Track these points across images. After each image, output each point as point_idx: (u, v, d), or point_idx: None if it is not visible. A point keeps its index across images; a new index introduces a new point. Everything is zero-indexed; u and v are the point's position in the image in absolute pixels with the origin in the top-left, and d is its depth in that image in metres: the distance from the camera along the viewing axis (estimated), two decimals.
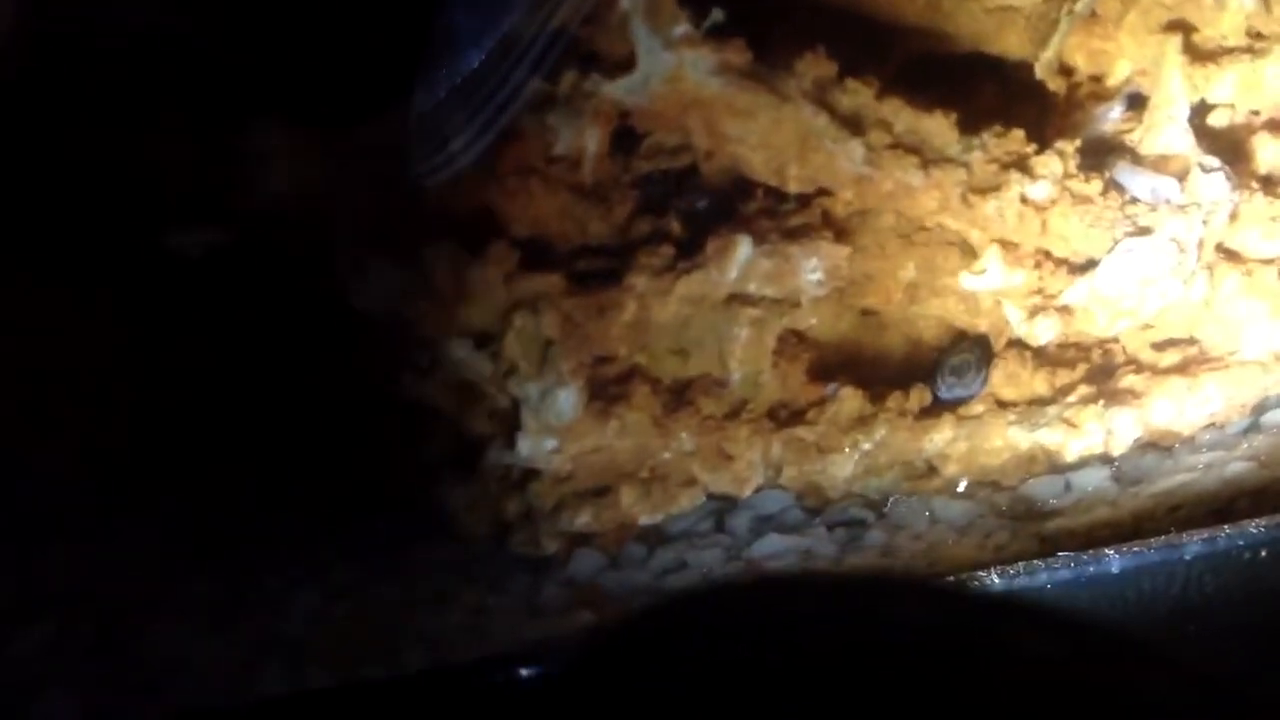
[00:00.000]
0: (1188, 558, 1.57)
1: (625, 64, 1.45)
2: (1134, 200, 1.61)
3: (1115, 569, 1.55)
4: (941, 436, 1.64)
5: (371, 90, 1.42)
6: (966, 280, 1.61)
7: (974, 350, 1.62)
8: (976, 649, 0.59)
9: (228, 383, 1.61)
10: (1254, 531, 1.58)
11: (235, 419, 1.61)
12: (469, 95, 1.40)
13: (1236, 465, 1.69)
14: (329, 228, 1.48)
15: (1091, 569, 1.55)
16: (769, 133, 1.50)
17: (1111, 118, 1.61)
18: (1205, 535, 1.57)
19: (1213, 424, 1.70)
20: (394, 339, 1.53)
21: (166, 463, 1.59)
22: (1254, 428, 1.71)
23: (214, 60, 1.41)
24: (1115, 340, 1.67)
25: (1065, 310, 1.63)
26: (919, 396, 1.64)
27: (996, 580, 1.46)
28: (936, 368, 1.65)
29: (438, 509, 1.59)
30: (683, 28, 1.44)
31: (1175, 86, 1.59)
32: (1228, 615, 1.55)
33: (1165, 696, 0.59)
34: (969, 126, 1.55)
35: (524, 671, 1.21)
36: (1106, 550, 1.57)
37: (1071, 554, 1.55)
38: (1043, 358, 1.66)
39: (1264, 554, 1.58)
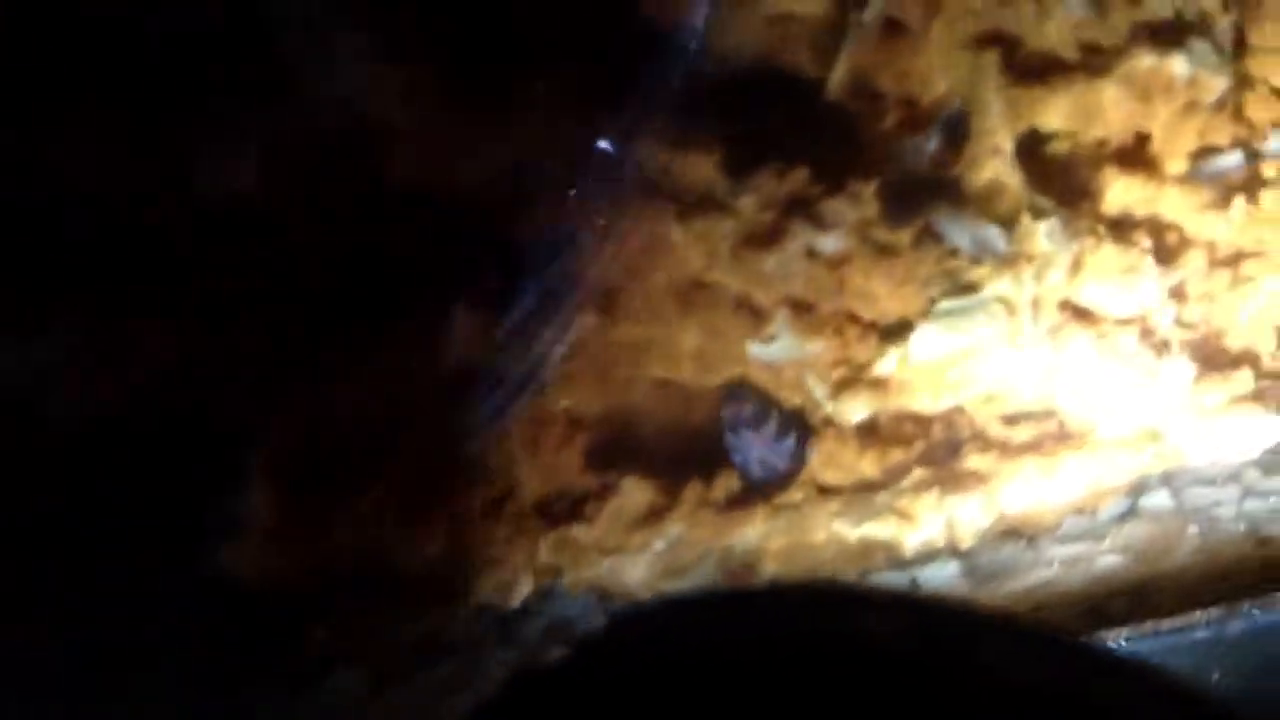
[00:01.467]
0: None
1: None
2: (952, 251, 1.34)
3: None
4: (754, 530, 1.39)
5: None
6: (755, 350, 1.33)
7: (749, 398, 1.35)
8: (948, 669, 0.57)
9: None
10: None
11: None
12: None
13: (1108, 559, 1.44)
14: None
15: None
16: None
17: (926, 150, 1.33)
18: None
19: (1080, 510, 1.44)
20: None
21: None
22: (1129, 513, 1.45)
23: None
24: (960, 412, 1.40)
25: (878, 384, 1.36)
26: (725, 483, 1.38)
27: None
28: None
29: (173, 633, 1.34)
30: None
31: (997, 112, 1.31)
32: None
33: None
34: (740, 164, 1.28)
35: None
36: None
37: None
38: (872, 435, 1.40)
39: None
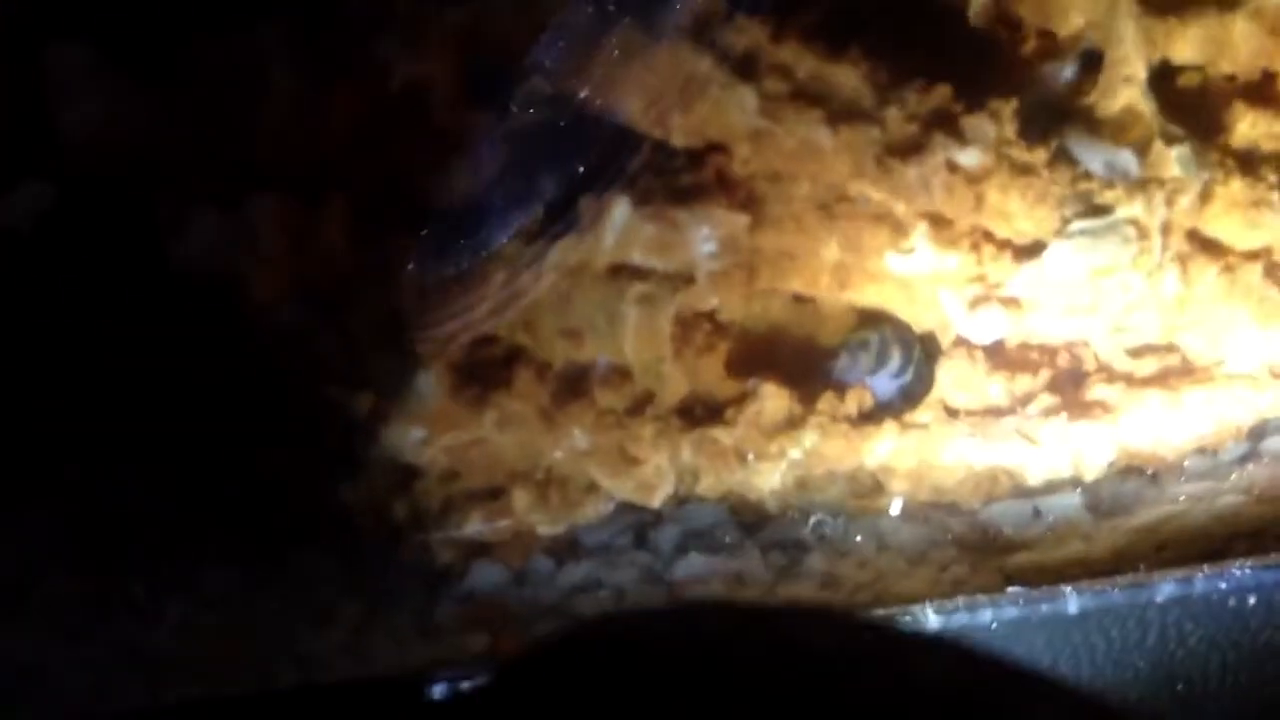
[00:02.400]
0: (1160, 600, 1.35)
1: None
2: (1087, 174, 1.39)
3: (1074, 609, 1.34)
4: (883, 447, 1.42)
5: None
6: (893, 262, 1.39)
7: (878, 330, 1.40)
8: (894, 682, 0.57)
9: (78, 367, 1.42)
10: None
11: (89, 408, 1.41)
12: None
13: (1229, 499, 1.46)
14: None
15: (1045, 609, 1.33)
16: (644, 76, 1.30)
17: (1063, 78, 1.40)
18: (1180, 576, 1.35)
19: (1201, 448, 1.46)
20: (229, 304, 1.34)
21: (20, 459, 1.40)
22: (1251, 455, 1.47)
23: None
24: (1084, 344, 1.44)
25: (1011, 302, 1.41)
26: (857, 398, 1.42)
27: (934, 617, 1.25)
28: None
29: (321, 508, 1.39)
30: None
31: (1131, 42, 1.37)
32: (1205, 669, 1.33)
33: None
34: (887, 78, 1.35)
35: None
36: (1064, 588, 1.35)
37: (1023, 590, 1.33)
38: (999, 359, 1.44)
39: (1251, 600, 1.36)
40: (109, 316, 1.29)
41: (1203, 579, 1.35)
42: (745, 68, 1.32)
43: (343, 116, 1.29)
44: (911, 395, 1.45)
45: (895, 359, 1.43)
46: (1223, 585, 1.35)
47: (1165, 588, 1.35)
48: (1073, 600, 1.34)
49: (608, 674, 0.56)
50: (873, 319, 1.41)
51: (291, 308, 1.32)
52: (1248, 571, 1.34)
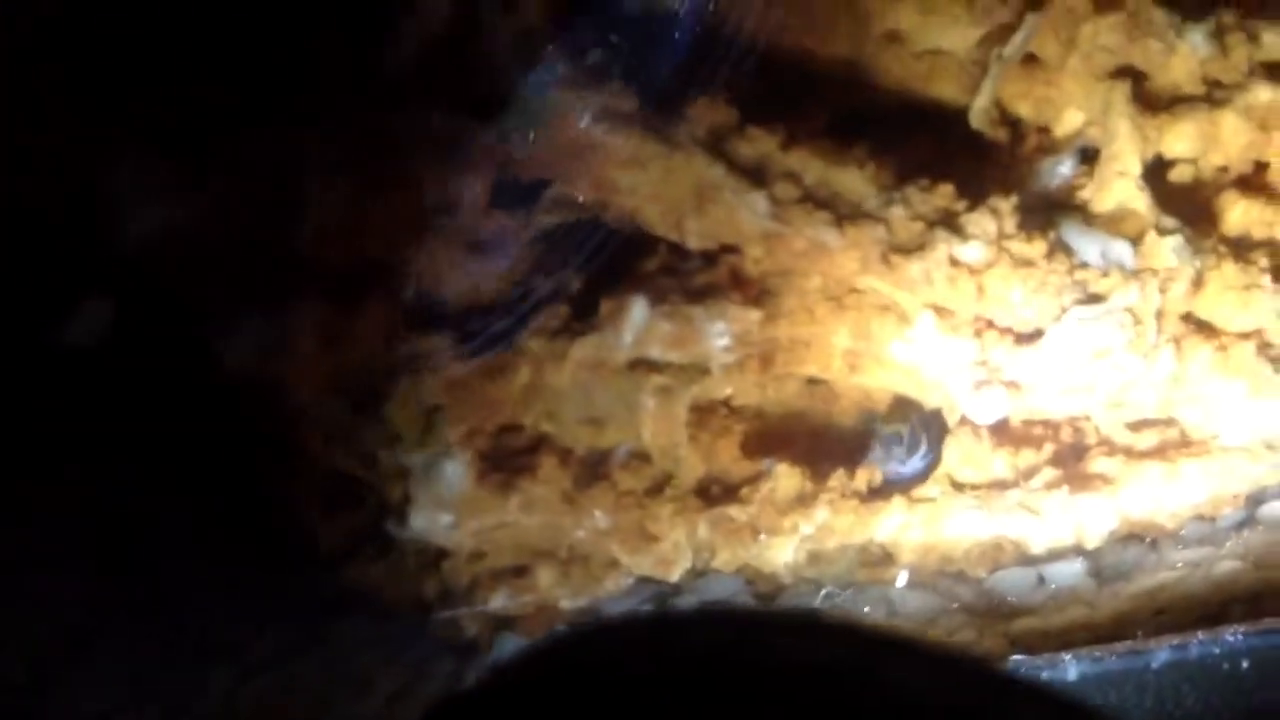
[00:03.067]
0: (1156, 666, 1.43)
1: (501, 106, 1.36)
2: (1083, 264, 1.46)
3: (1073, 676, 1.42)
4: (892, 521, 1.50)
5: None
6: (899, 350, 1.46)
7: (904, 424, 1.47)
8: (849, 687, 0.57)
9: (133, 453, 1.52)
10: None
11: (142, 491, 1.51)
12: None
13: (1227, 565, 1.52)
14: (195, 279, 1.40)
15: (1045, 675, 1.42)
16: (662, 183, 1.39)
17: (1060, 172, 1.47)
18: (1177, 643, 1.43)
19: (1199, 516, 1.53)
20: (276, 402, 1.44)
21: (81, 539, 1.51)
22: (1247, 522, 1.54)
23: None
24: (1086, 418, 1.51)
25: (1014, 384, 1.48)
26: (866, 475, 1.50)
27: None
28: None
29: (359, 583, 1.49)
30: (560, 69, 1.35)
31: (1126, 139, 1.44)
32: None
33: None
34: (891, 180, 1.42)
35: None
36: (1063, 655, 1.43)
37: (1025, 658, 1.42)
38: (1003, 436, 1.51)
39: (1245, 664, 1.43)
40: (169, 417, 1.39)
41: (1198, 644, 1.43)
42: (756, 174, 1.40)
43: (379, 224, 1.38)
44: (926, 468, 1.53)
45: (922, 444, 1.51)
46: (1217, 650, 1.42)
47: (1161, 654, 1.43)
48: (1072, 667, 1.42)
49: (591, 683, 0.57)
50: (899, 407, 1.49)
51: (330, 403, 1.41)
52: (1241, 637, 1.42)
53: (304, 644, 1.47)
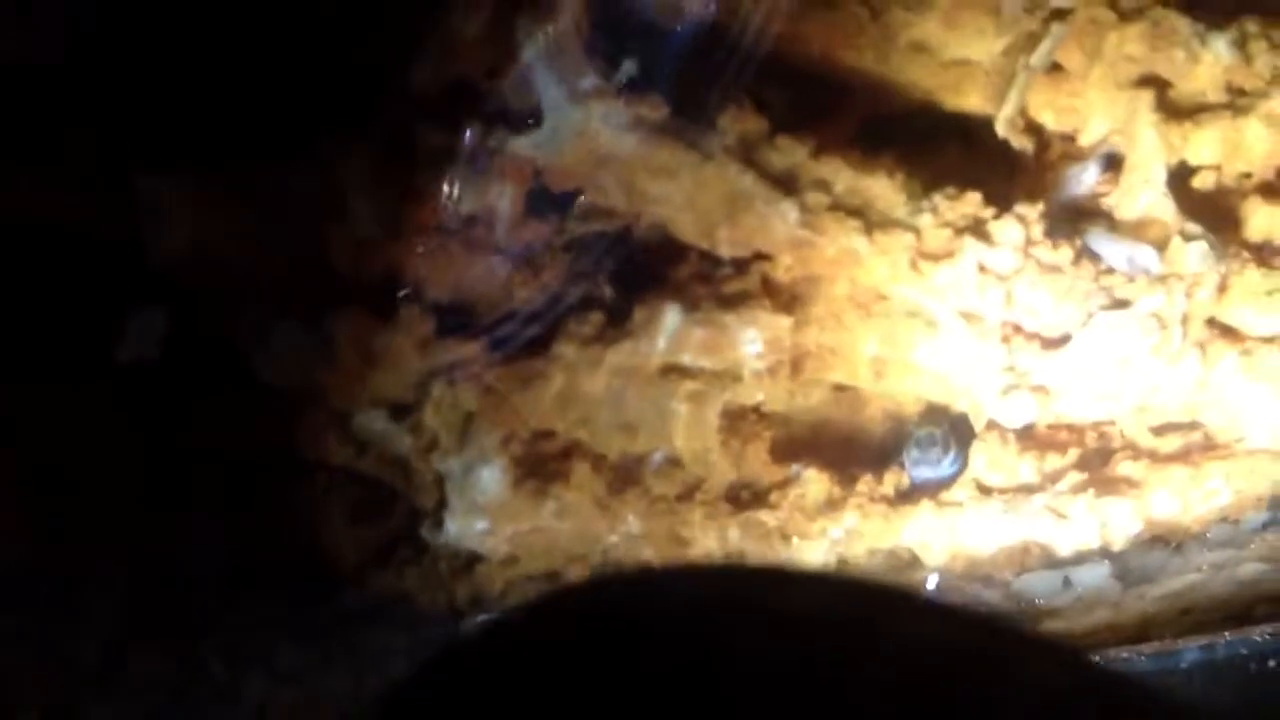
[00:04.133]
0: (1184, 666, 1.44)
1: (532, 117, 1.38)
2: (1109, 270, 1.48)
3: None
4: (920, 525, 1.52)
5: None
6: (928, 355, 1.48)
7: (938, 428, 1.49)
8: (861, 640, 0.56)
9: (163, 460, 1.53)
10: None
11: (173, 500, 1.53)
12: None
13: (1251, 566, 1.54)
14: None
15: None
16: (693, 193, 1.41)
17: (1085, 180, 1.49)
18: (1204, 642, 1.45)
19: (1224, 518, 1.54)
20: (311, 411, 1.46)
21: (107, 545, 1.52)
22: (1271, 524, 1.55)
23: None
24: (1111, 423, 1.53)
25: (1040, 389, 1.50)
26: (894, 480, 1.52)
27: None
28: (904, 447, 1.52)
29: (390, 590, 1.50)
30: (591, 79, 1.37)
31: (1150, 146, 1.46)
32: None
33: None
34: (920, 188, 1.44)
35: None
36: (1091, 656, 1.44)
37: None
38: (1029, 440, 1.53)
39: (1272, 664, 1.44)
40: (205, 427, 1.41)
41: (1225, 644, 1.45)
42: (787, 183, 1.42)
43: (415, 235, 1.40)
44: (953, 473, 1.55)
45: (954, 448, 1.52)
46: (1244, 651, 1.44)
47: (1189, 654, 1.45)
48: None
49: (602, 632, 0.56)
50: (928, 413, 1.51)
51: (366, 412, 1.43)
52: (1269, 636, 1.44)
53: (336, 653, 1.48)
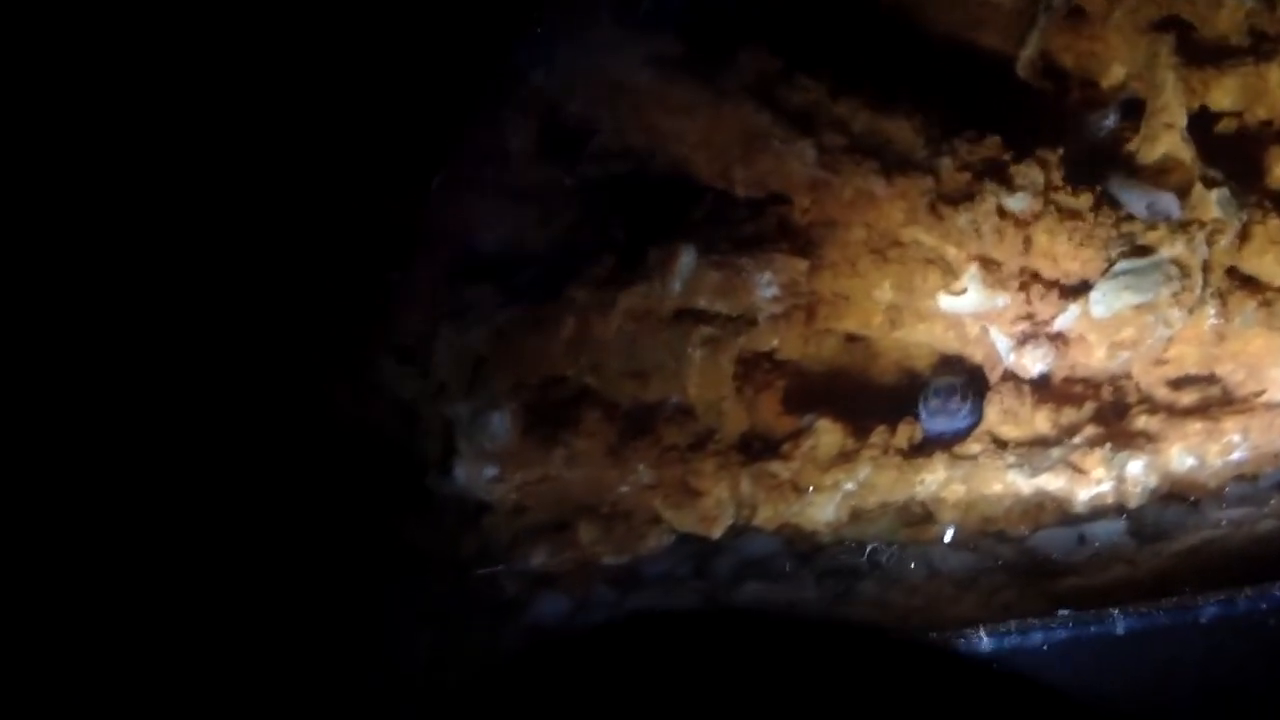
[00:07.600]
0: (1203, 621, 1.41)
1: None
2: (1129, 217, 1.45)
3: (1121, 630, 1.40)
4: (934, 478, 1.49)
5: None
6: (945, 302, 1.46)
7: (957, 377, 1.46)
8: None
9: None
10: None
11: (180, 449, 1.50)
12: None
13: (1269, 523, 1.51)
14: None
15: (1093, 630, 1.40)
16: (709, 131, 1.38)
17: (1105, 125, 1.47)
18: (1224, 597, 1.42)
19: (1242, 475, 1.52)
20: (319, 353, 1.43)
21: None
22: None
23: None
24: (1128, 375, 1.50)
25: (1058, 338, 1.47)
26: (907, 432, 1.49)
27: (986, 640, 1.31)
28: (920, 397, 1.49)
29: (392, 540, 1.47)
30: (609, 14, 1.34)
31: (1171, 91, 1.44)
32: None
33: None
34: (938, 130, 1.42)
35: None
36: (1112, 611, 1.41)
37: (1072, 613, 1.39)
38: (1045, 392, 1.50)
39: None
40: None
41: (1245, 600, 1.42)
42: (804, 122, 1.39)
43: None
44: (968, 425, 1.52)
45: (971, 399, 1.49)
46: (1264, 606, 1.41)
47: (1209, 609, 1.42)
48: (1120, 622, 1.40)
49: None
50: (941, 364, 1.48)
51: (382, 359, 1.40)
52: None
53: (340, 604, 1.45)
